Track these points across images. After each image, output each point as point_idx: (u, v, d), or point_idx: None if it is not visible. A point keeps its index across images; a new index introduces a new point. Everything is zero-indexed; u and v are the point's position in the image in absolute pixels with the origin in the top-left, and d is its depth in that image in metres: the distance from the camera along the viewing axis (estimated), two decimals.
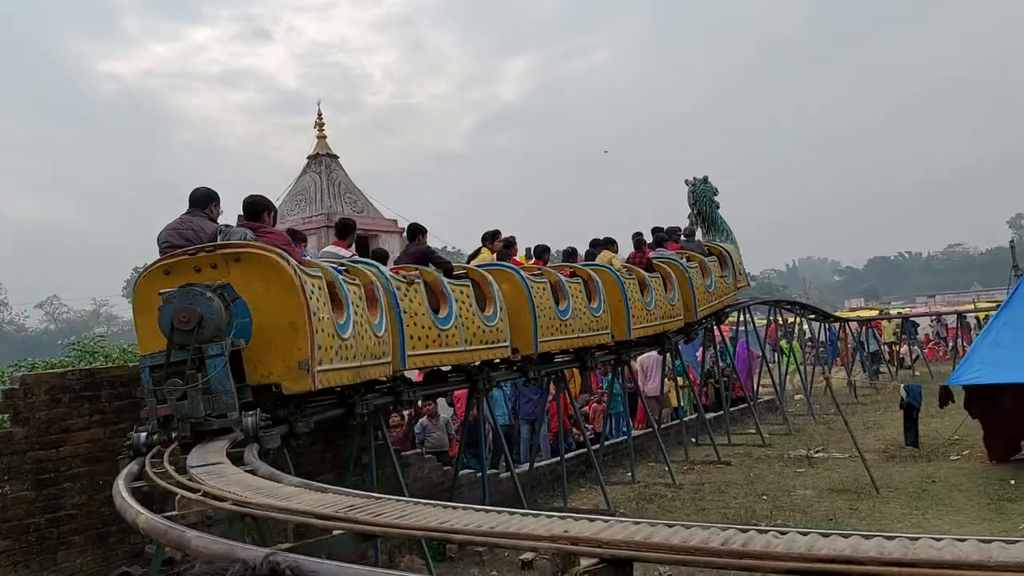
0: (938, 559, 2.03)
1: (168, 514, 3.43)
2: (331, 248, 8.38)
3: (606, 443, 12.69)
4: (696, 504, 10.40)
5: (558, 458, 11.17)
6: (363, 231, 19.00)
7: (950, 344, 26.60)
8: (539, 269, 9.95)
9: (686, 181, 16.17)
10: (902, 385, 14.19)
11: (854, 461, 11.21)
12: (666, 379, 15.07)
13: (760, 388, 19.38)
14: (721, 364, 17.18)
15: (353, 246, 8.58)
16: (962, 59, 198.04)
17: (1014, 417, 11.81)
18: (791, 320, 21.28)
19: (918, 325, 28.34)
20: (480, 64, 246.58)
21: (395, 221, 20.02)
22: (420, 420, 10.92)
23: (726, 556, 2.32)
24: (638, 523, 2.81)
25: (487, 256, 10.12)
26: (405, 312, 7.29)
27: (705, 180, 16.26)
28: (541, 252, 11.17)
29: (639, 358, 14.88)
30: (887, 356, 26.25)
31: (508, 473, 10.15)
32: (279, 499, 3.70)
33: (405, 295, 7.42)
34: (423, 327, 7.55)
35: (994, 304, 21.84)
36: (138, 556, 6.76)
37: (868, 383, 22.54)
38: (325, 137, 20.00)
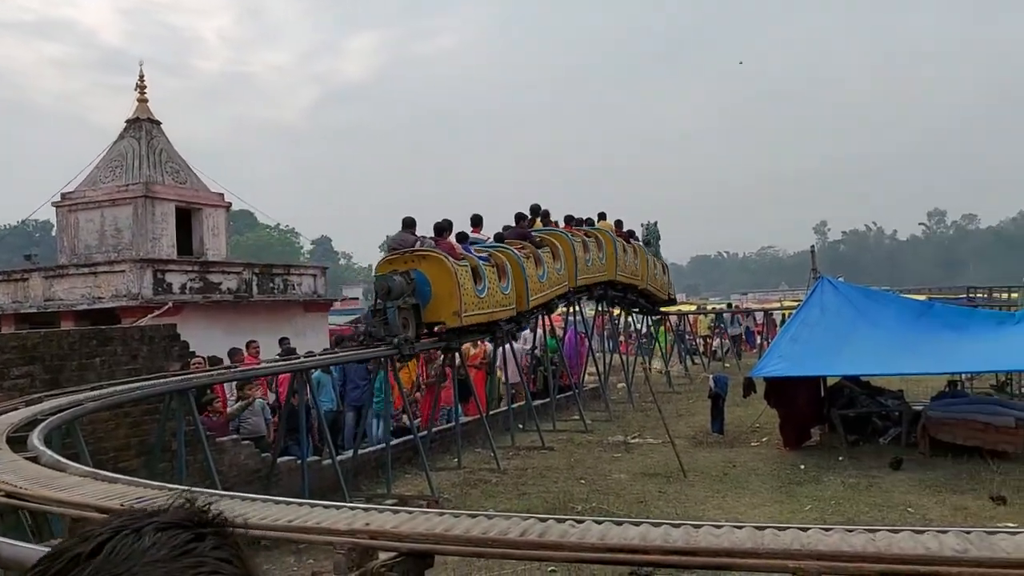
0: (715, 547, 2.15)
1: None
2: (473, 235, 13.65)
3: (434, 430, 12.69)
4: (518, 489, 10.61)
5: (383, 445, 11.05)
6: (185, 204, 17.94)
7: (757, 340, 28.72)
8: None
9: (642, 223, 22.09)
10: (711, 376, 15.16)
11: (666, 447, 11.84)
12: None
13: (586, 376, 20.11)
14: (549, 353, 17.61)
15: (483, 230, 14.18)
16: (782, 74, 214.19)
17: (806, 407, 12.93)
18: (616, 312, 22.17)
19: (730, 320, 30.36)
20: (323, 37, 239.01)
21: (222, 195, 19.03)
22: (237, 404, 10.46)
23: (523, 547, 2.35)
24: (442, 514, 2.79)
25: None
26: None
27: (655, 224, 22.15)
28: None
29: (507, 346, 15.38)
30: (701, 348, 28.00)
31: (330, 460, 9.93)
32: (58, 490, 3.39)
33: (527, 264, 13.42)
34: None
35: (797, 303, 23.72)
36: None
37: (684, 373, 23.93)
38: (147, 101, 18.65)
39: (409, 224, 12.03)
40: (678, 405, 17.45)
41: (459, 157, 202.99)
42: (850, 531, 2.33)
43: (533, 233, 14.92)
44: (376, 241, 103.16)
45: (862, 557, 2.08)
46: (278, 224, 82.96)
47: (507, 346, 15.13)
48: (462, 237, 13.02)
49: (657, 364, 23.59)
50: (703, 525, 2.40)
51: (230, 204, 19.68)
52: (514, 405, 15.13)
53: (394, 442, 11.52)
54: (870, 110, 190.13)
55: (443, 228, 12.24)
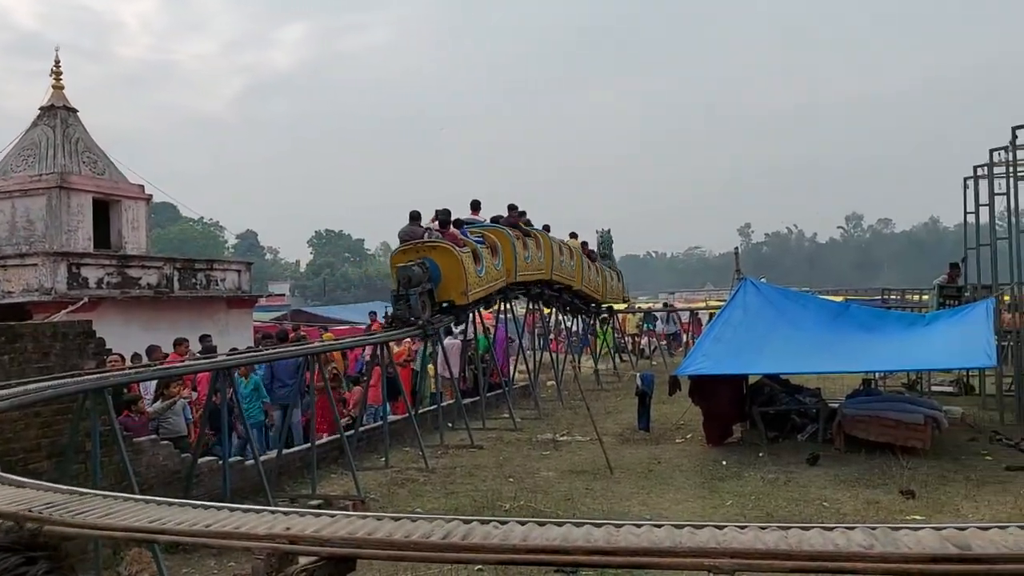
0: (635, 547, 2.19)
1: None
2: (470, 216, 15.53)
3: (361, 429, 12.54)
4: (446, 488, 10.59)
5: (309, 444, 10.87)
6: (103, 195, 17.28)
7: (683, 339, 29.30)
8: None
9: (597, 230, 25.17)
10: (637, 374, 15.41)
11: (594, 444, 11.98)
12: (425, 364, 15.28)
13: (516, 374, 20.21)
14: (480, 351, 17.63)
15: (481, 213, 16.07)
16: (713, 84, 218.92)
17: (729, 405, 13.27)
18: (548, 311, 22.34)
19: (657, 319, 30.93)
20: (251, 26, 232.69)
21: (142, 187, 18.40)
22: (162, 403, 10.14)
23: (446, 550, 2.34)
24: (364, 517, 2.76)
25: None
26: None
27: (609, 231, 25.18)
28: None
29: (445, 342, 15.67)
30: (629, 347, 28.44)
31: (253, 460, 9.71)
32: None
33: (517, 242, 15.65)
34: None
35: (722, 302, 24.25)
36: None
37: (613, 371, 24.26)
38: (63, 87, 17.89)
39: (415, 217, 13.76)
40: (606, 403, 17.68)
41: (393, 153, 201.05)
42: (764, 528, 2.41)
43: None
44: (305, 236, 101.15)
45: (774, 554, 2.16)
46: (202, 218, 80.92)
47: (441, 344, 15.08)
48: (457, 224, 14.45)
49: (588, 362, 23.86)
50: (624, 524, 2.44)
51: (151, 196, 19.07)
52: (444, 403, 15.08)
53: (320, 441, 11.35)
54: (792, 121, 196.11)
55: (447, 220, 13.98)
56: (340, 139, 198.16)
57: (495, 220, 16.06)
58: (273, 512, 2.92)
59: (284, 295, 57.46)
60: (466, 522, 2.60)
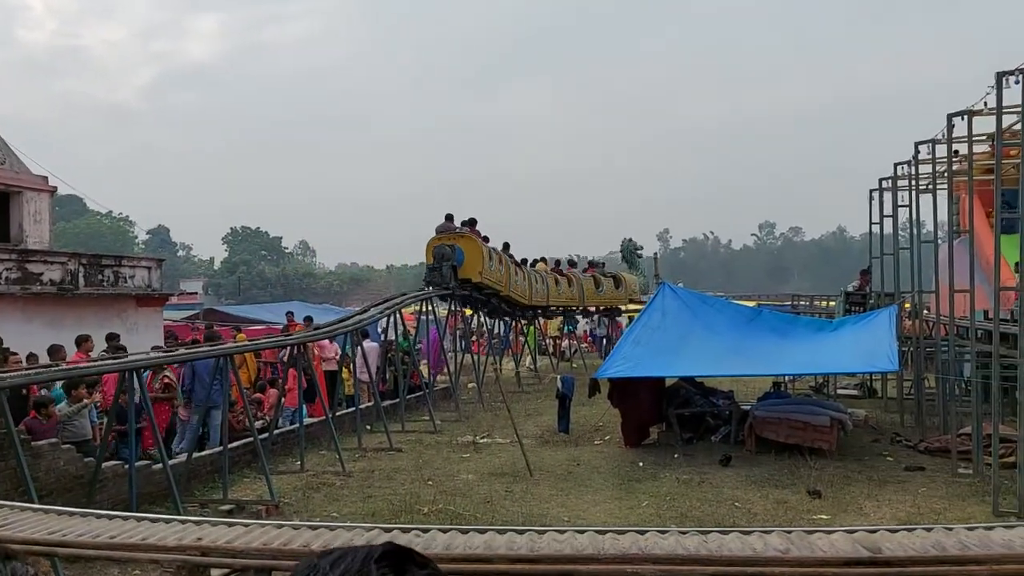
0: (558, 554, 2.18)
1: None
2: (444, 224, 19.39)
3: (276, 432, 12.24)
4: (363, 491, 10.42)
5: (221, 448, 10.54)
6: (2, 187, 16.38)
7: (603, 342, 29.70)
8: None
9: (621, 241, 29.89)
10: (558, 377, 15.53)
11: (514, 446, 12.00)
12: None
13: (437, 376, 20.11)
14: (400, 352, 17.47)
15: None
16: (634, 88, 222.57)
17: (645, 407, 13.51)
18: (469, 312, 22.31)
19: (579, 322, 31.23)
20: (165, 14, 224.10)
21: (46, 178, 17.52)
22: (71, 406, 9.66)
23: None
24: (280, 526, 2.67)
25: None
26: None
27: (631, 240, 29.24)
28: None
29: (364, 344, 15.47)
30: (551, 349, 28.66)
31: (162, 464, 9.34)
32: None
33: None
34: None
35: (642, 306, 24.64)
36: None
37: (534, 373, 24.39)
38: None
39: (450, 218, 19.38)
40: (527, 405, 17.75)
41: (314, 149, 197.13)
42: (684, 533, 2.44)
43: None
44: (220, 232, 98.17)
45: (694, 560, 2.19)
46: (110, 212, 77.73)
47: (360, 346, 14.87)
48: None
49: (509, 364, 23.92)
50: (547, 531, 2.43)
51: (55, 188, 18.18)
52: (362, 406, 14.86)
53: (232, 444, 11.02)
54: (713, 133, 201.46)
55: (473, 222, 19.69)
56: (258, 134, 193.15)
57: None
58: (183, 521, 2.80)
59: (197, 293, 55.65)
60: (386, 530, 2.54)
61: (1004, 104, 9.38)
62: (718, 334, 13.62)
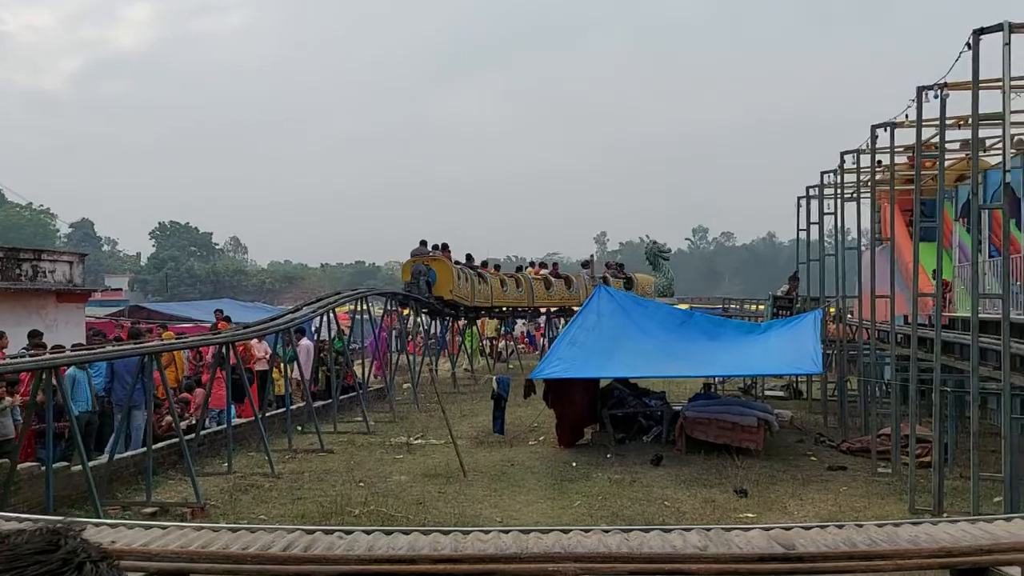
0: (481, 554, 2.19)
1: None
2: (419, 248, 22.58)
3: (203, 433, 11.93)
4: (293, 493, 10.24)
5: (144, 448, 10.23)
6: None
7: (540, 343, 29.87)
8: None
9: (643, 240, 31.43)
10: (494, 377, 15.55)
11: (448, 447, 11.96)
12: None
13: (372, 377, 19.92)
14: (334, 352, 17.24)
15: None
16: (572, 86, 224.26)
17: (580, 408, 13.63)
18: (406, 312, 22.18)
19: (515, 323, 31.34)
20: (94, 0, 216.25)
21: None
22: None
23: (286, 562, 2.24)
24: (199, 529, 2.60)
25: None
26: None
27: (655, 242, 30.58)
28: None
29: (301, 343, 15.37)
30: (487, 350, 28.67)
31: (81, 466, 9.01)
32: None
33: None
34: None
35: (578, 307, 24.83)
36: None
37: (470, 374, 24.36)
38: None
39: (424, 243, 22.36)
40: (462, 406, 17.72)
41: (247, 145, 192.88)
42: (607, 532, 2.47)
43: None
44: (147, 227, 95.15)
45: (615, 557, 2.22)
46: (31, 204, 74.66)
47: (292, 345, 14.63)
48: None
49: (445, 364, 23.84)
50: (472, 531, 2.43)
51: None
52: (294, 406, 14.62)
53: (157, 445, 10.71)
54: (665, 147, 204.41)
55: (445, 247, 22.82)
56: (190, 128, 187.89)
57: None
58: (98, 524, 2.70)
59: (122, 289, 53.89)
60: (309, 532, 2.50)
61: (924, 117, 9.76)
62: (651, 336, 13.84)
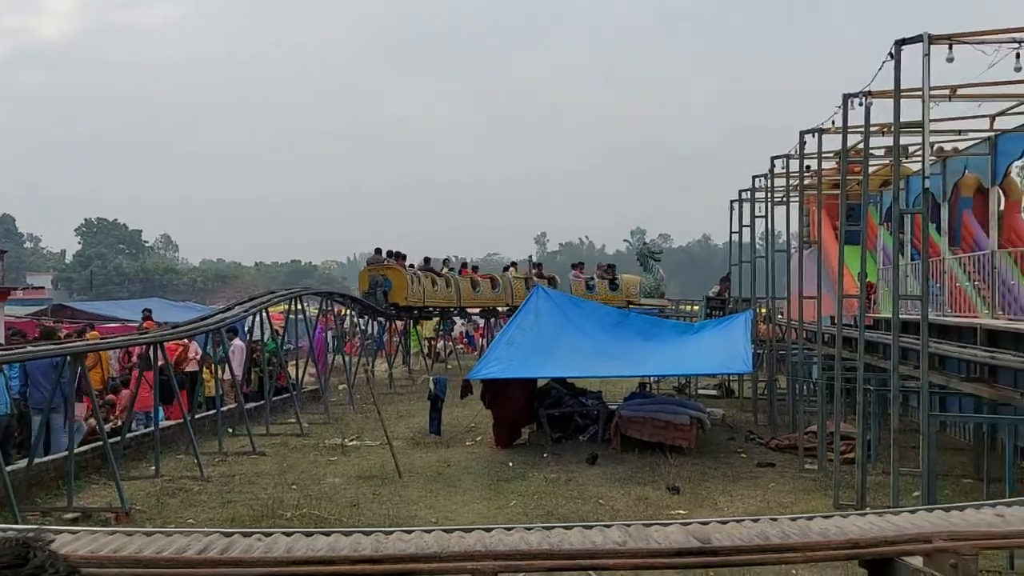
0: (401, 554, 2.18)
1: None
2: (374, 256, 23.87)
3: (128, 435, 11.57)
4: (223, 497, 10.01)
5: (66, 452, 9.87)
6: None
7: (478, 342, 29.87)
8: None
9: (637, 242, 36.84)
10: (431, 378, 15.48)
11: (384, 449, 11.85)
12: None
13: (306, 377, 19.62)
14: (267, 352, 16.93)
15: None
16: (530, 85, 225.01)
17: (517, 408, 13.66)
18: (343, 312, 21.93)
19: (454, 324, 31.27)
20: None
21: None
22: None
23: (200, 566, 2.18)
24: (112, 533, 2.52)
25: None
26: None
27: (646, 243, 30.07)
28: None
29: (233, 342, 15.04)
30: (425, 350, 28.55)
31: None
32: None
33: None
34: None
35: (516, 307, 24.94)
36: None
37: (409, 375, 24.22)
38: None
39: (378, 251, 23.40)
40: (399, 407, 17.60)
41: (179, 141, 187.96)
42: (529, 530, 2.49)
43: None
44: (73, 224, 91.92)
45: (535, 555, 2.24)
46: None
47: (230, 344, 14.30)
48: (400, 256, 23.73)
49: (382, 365, 23.65)
50: (394, 531, 2.41)
51: None
52: (225, 408, 14.29)
53: (80, 448, 10.35)
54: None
55: (400, 255, 23.50)
56: (116, 121, 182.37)
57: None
58: (4, 530, 2.58)
59: (45, 288, 51.89)
60: (227, 535, 2.45)
61: (850, 124, 10.07)
62: (588, 336, 13.97)
